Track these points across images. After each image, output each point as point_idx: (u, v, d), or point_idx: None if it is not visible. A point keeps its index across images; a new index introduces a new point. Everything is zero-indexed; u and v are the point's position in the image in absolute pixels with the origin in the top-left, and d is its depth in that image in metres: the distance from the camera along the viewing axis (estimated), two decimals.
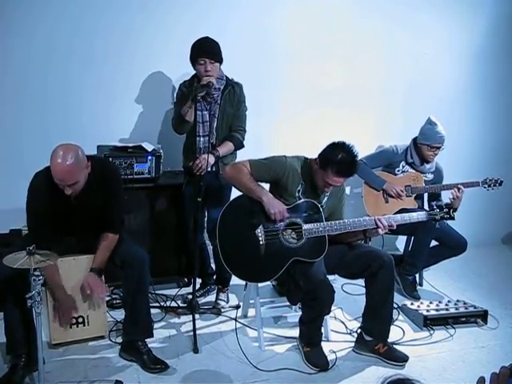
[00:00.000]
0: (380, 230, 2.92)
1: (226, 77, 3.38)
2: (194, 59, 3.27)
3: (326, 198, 3.06)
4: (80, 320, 2.98)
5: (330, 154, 2.85)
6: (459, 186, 3.72)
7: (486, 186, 3.88)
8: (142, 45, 3.81)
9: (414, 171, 3.95)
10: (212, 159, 3.26)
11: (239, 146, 3.42)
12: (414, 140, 3.95)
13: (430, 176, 4.01)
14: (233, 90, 3.35)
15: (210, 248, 3.64)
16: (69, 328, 2.96)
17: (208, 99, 3.32)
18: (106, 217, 2.89)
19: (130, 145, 3.62)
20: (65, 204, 2.73)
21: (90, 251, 2.93)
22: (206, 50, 3.25)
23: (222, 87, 3.33)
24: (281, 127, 4.17)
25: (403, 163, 3.96)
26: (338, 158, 2.82)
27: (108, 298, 3.37)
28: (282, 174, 2.94)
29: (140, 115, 3.94)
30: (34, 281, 2.23)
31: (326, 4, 4.17)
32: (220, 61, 3.29)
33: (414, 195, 3.93)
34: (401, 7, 4.35)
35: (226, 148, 3.36)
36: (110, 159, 3.45)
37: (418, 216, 3.08)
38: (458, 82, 4.73)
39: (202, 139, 3.35)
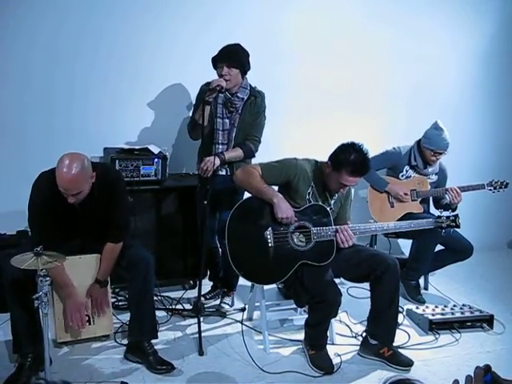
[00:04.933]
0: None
1: (250, 86, 3.35)
2: (214, 63, 3.28)
3: (333, 201, 3.08)
4: (86, 319, 2.97)
5: (343, 156, 2.87)
6: (456, 188, 3.76)
7: (492, 188, 3.86)
8: (147, 46, 3.82)
9: (417, 175, 3.92)
10: (217, 162, 3.26)
11: (249, 154, 3.39)
12: (418, 142, 3.92)
13: (434, 177, 4.00)
14: (255, 101, 3.33)
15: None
16: (76, 327, 2.94)
17: (230, 108, 3.31)
18: (108, 226, 2.88)
19: (137, 147, 3.63)
20: (69, 210, 2.73)
21: (96, 251, 2.94)
22: (223, 54, 3.23)
23: (245, 97, 3.31)
24: (288, 129, 4.17)
25: (407, 167, 3.93)
26: (351, 158, 2.85)
27: (113, 300, 3.37)
28: (292, 175, 2.95)
29: (146, 117, 3.94)
30: (41, 282, 2.23)
31: (333, 9, 4.20)
32: (239, 67, 3.23)
33: (419, 199, 3.91)
34: (405, 12, 4.39)
35: (235, 153, 3.35)
36: (117, 161, 3.45)
37: (425, 224, 3.10)
38: (463, 84, 4.73)
39: (220, 147, 3.35)
